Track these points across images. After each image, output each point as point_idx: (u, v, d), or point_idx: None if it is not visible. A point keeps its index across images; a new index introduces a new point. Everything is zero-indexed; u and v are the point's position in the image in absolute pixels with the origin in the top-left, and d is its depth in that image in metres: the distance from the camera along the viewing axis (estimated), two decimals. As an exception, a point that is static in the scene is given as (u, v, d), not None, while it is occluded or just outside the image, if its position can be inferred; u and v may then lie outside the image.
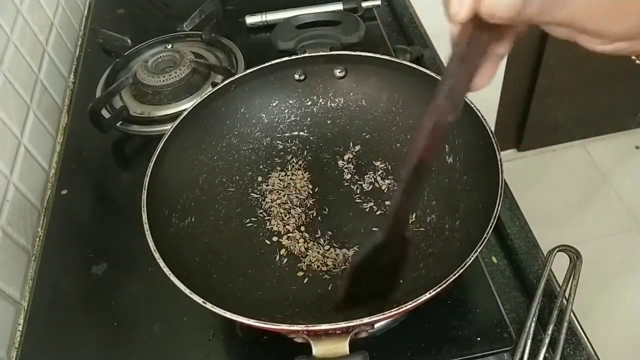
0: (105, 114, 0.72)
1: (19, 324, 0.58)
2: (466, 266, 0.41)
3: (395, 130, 0.61)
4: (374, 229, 0.56)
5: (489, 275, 0.55)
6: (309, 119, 0.63)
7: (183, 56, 0.76)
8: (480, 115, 0.51)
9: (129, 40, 0.81)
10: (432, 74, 0.56)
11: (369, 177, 0.60)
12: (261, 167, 0.61)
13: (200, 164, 0.58)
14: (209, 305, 0.41)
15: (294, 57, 0.61)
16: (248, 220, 0.58)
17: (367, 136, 0.62)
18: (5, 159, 0.63)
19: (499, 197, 0.45)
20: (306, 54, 0.62)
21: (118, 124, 0.71)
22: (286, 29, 0.70)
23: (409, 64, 0.58)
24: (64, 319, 0.57)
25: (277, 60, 0.60)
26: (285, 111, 0.63)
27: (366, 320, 0.39)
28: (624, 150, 1.84)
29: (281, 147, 0.63)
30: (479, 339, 0.50)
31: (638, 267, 1.56)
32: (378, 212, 0.57)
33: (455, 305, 0.52)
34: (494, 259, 0.59)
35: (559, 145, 1.84)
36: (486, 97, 1.57)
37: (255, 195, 0.60)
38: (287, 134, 0.63)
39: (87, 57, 0.86)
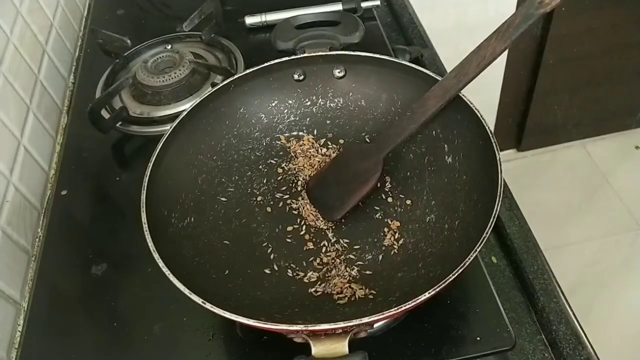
0: (105, 114, 0.72)
1: (19, 324, 0.58)
2: (465, 266, 0.41)
3: None
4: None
5: (489, 275, 0.54)
6: (308, 119, 0.63)
7: (183, 57, 0.76)
8: (479, 115, 0.51)
9: (128, 41, 0.81)
10: (431, 73, 0.56)
11: (368, 177, 0.60)
12: (260, 167, 0.61)
13: (199, 164, 0.58)
14: (208, 306, 0.41)
15: (293, 57, 0.61)
16: (247, 220, 0.58)
17: (366, 136, 0.62)
18: (5, 159, 0.63)
19: (498, 197, 0.45)
20: (305, 54, 0.62)
21: (118, 125, 0.71)
22: (285, 29, 0.70)
23: (408, 64, 0.58)
24: (64, 319, 0.57)
25: (276, 61, 0.60)
26: (285, 111, 0.63)
27: (365, 320, 0.40)
28: (624, 150, 1.84)
29: (279, 146, 0.63)
30: (478, 339, 0.50)
31: (638, 267, 1.56)
32: (378, 215, 0.57)
33: (455, 305, 0.52)
34: (494, 259, 0.59)
35: (559, 145, 1.85)
36: (486, 97, 1.57)
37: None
38: (286, 134, 0.63)
39: (87, 58, 0.86)
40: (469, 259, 0.42)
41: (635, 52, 1.59)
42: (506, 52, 1.54)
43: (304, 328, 0.40)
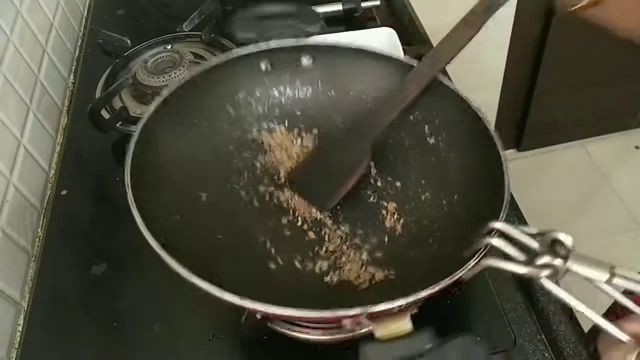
0: (105, 114, 0.72)
1: (19, 324, 0.58)
2: (468, 267, 0.41)
3: None
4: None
5: (489, 275, 0.55)
6: (277, 110, 0.60)
7: (182, 57, 0.76)
8: (455, 90, 0.51)
9: (128, 41, 0.81)
10: (400, 58, 0.55)
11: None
12: (235, 161, 0.58)
13: (173, 163, 0.54)
14: (237, 299, 0.38)
15: (258, 47, 0.58)
16: (238, 218, 0.55)
17: (339, 125, 0.60)
18: (5, 159, 0.63)
19: (505, 199, 0.44)
20: (272, 44, 0.58)
21: (118, 125, 0.71)
22: (246, 19, 0.68)
23: (378, 51, 0.57)
24: (64, 319, 0.57)
25: (241, 51, 0.57)
26: (253, 103, 0.60)
27: (423, 294, 0.38)
28: (624, 150, 1.84)
29: (251, 139, 0.60)
30: (479, 339, 0.49)
31: (638, 267, 1.55)
32: (372, 199, 0.56)
33: (455, 305, 0.52)
34: (494, 259, 0.59)
35: (558, 145, 1.84)
36: (486, 97, 1.57)
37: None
38: (256, 127, 0.60)
39: (87, 58, 0.86)
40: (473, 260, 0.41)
41: (636, 52, 1.59)
42: (506, 52, 1.55)
43: (363, 311, 0.38)
